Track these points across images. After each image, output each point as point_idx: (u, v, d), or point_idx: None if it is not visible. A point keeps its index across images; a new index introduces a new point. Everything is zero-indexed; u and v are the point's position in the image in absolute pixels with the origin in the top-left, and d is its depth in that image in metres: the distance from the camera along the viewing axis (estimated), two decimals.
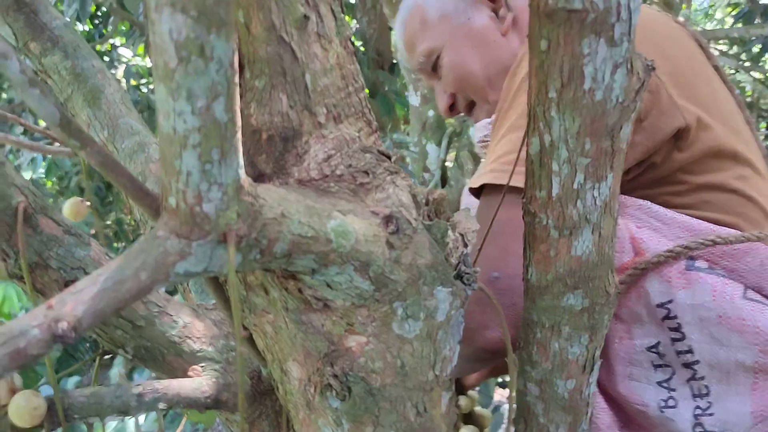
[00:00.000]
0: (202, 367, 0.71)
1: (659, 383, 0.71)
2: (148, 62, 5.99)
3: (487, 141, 1.04)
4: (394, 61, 4.73)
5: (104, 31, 4.99)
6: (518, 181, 0.69)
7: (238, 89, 0.41)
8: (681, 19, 0.89)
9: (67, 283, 0.67)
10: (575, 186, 0.53)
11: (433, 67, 1.08)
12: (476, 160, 3.49)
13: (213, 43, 0.38)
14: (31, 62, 0.84)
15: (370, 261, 0.52)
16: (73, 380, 2.37)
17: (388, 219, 0.54)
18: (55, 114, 0.47)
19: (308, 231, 0.49)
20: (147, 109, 4.62)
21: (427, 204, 0.56)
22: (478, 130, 1.08)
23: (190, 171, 0.42)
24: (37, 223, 0.65)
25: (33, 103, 0.46)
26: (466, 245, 0.59)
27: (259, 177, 0.53)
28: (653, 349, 0.71)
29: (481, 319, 0.68)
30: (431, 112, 3.94)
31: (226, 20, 0.38)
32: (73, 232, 0.68)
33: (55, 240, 0.66)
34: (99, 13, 4.84)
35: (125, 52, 5.33)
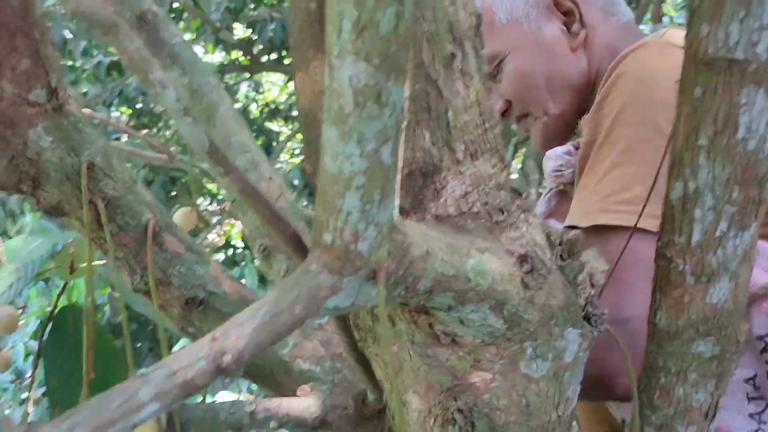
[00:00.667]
0: (310, 387, 0.72)
1: (751, 415, 0.72)
2: (216, 59, 6.10)
3: (562, 171, 1.02)
4: None
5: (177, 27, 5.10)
6: (645, 223, 0.67)
7: (402, 134, 0.42)
8: None
9: (187, 301, 0.68)
10: (717, 234, 0.52)
11: (492, 70, 1.04)
12: (541, 169, 3.47)
13: (390, 89, 0.39)
14: None
15: (505, 300, 0.52)
16: None
17: (523, 258, 0.54)
18: (204, 141, 0.48)
19: (450, 269, 0.49)
20: None
21: (560, 244, 0.56)
22: (550, 159, 1.05)
23: (351, 210, 0.43)
24: (163, 240, 0.67)
25: (185, 130, 0.47)
26: (593, 286, 0.58)
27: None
28: (750, 381, 0.72)
29: (614, 365, 0.67)
30: None
31: (403, 67, 0.39)
32: (194, 250, 0.70)
33: (178, 257, 0.68)
34: (172, 10, 4.95)
35: (197, 50, 5.42)
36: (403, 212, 0.54)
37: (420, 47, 0.51)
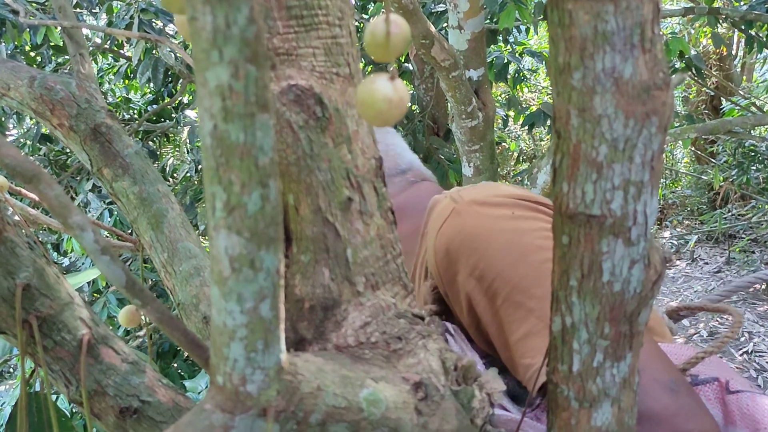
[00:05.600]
0: None
1: None
2: None
3: None
4: (449, 128, 4.81)
5: (174, 89, 5.24)
6: None
7: (282, 290, 0.46)
8: None
9: (122, 410, 0.72)
10: (595, 364, 0.57)
11: None
12: None
13: (262, 257, 0.43)
14: (103, 186, 0.92)
15: (398, 427, 0.56)
16: None
17: (417, 386, 0.58)
18: (121, 278, 0.53)
19: (342, 402, 0.53)
20: None
21: (455, 369, 0.60)
22: None
23: (237, 358, 0.47)
24: (98, 353, 0.71)
25: (103, 268, 0.52)
26: (492, 405, 0.62)
27: (300, 342, 0.58)
28: None
29: None
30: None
31: (275, 238, 0.44)
32: (130, 360, 0.73)
33: (113, 369, 0.72)
34: (169, 75, 5.05)
35: (191, 114, 5.48)
36: (306, 342, 0.58)
37: (316, 195, 0.56)
